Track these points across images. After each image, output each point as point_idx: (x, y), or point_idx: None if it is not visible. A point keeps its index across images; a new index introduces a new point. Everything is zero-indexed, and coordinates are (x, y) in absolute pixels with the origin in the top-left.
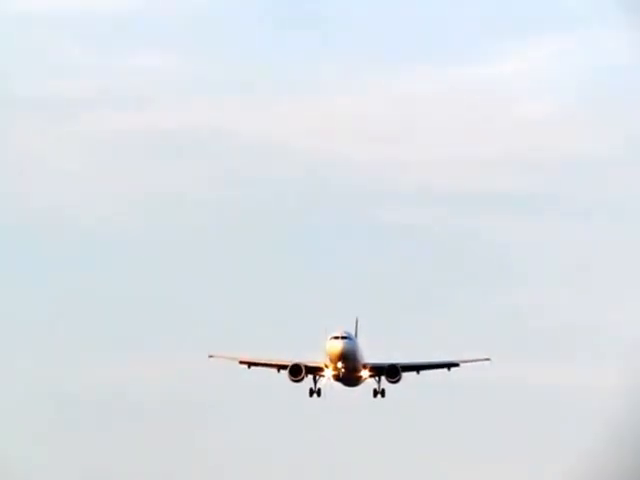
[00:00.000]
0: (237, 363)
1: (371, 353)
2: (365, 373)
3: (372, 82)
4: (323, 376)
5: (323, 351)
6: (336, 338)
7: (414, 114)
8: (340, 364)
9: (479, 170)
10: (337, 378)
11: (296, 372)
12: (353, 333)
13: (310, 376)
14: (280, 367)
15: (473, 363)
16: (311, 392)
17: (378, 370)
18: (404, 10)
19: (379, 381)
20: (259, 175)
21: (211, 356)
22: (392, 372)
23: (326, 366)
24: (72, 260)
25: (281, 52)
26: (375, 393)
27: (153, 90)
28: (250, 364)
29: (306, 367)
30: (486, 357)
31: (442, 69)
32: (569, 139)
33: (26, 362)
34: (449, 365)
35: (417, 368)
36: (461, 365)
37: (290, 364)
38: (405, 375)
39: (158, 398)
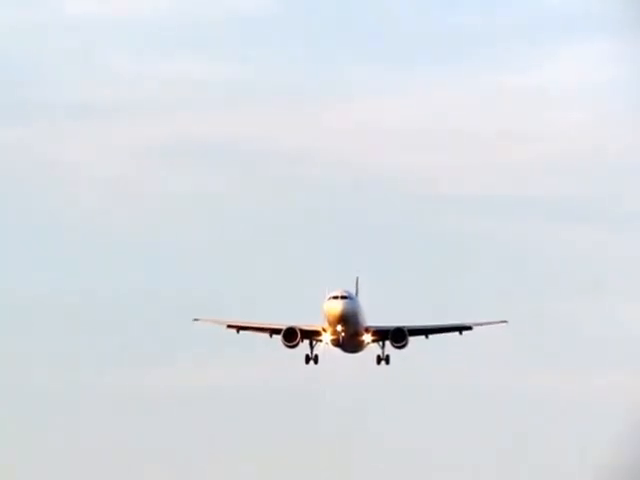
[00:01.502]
0: (225, 328)
1: (374, 315)
2: (367, 337)
3: (406, 87)
4: (321, 341)
5: (321, 313)
6: (335, 298)
7: (447, 119)
8: (340, 327)
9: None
10: (336, 343)
11: (291, 336)
12: (354, 293)
13: (306, 341)
14: (273, 331)
15: (488, 326)
16: (307, 359)
17: (382, 334)
18: (437, 15)
19: (383, 346)
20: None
21: (196, 320)
22: (398, 336)
23: (324, 330)
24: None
25: (310, 56)
26: (379, 360)
27: (196, 96)
28: (239, 328)
29: (302, 331)
30: (502, 319)
31: (479, 75)
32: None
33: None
34: (461, 328)
35: (426, 332)
36: (475, 328)
37: (284, 328)
38: (412, 339)
39: (142, 365)
